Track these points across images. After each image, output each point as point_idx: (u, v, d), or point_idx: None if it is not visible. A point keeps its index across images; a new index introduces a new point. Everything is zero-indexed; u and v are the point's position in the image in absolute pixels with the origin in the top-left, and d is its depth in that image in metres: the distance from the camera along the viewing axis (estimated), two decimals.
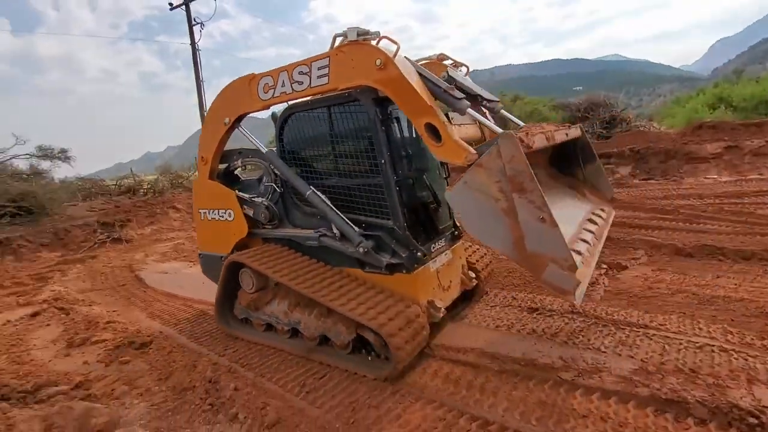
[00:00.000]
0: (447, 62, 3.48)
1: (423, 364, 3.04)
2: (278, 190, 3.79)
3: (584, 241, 2.51)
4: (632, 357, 2.82)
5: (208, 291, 5.38)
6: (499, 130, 2.52)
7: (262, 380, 3.07)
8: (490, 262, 4.22)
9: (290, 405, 2.70)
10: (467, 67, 3.57)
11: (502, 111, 3.45)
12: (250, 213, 3.90)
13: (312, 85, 3.06)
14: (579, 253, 2.28)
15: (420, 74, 2.77)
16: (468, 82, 3.23)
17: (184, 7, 17.71)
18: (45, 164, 13.80)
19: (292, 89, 3.19)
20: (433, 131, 2.62)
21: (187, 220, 12.15)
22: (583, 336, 3.16)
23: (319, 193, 3.34)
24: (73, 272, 7.43)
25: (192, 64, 17.72)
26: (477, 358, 3.03)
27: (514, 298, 4.01)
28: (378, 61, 2.70)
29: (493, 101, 3.23)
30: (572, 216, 2.85)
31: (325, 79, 2.98)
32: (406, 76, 2.65)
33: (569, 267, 1.90)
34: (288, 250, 3.68)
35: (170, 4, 17.68)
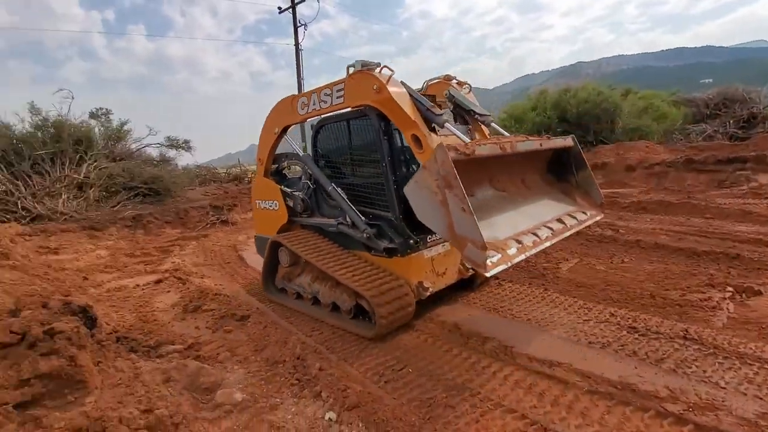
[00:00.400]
0: (454, 81, 4.21)
1: (504, 371, 2.93)
2: (311, 186, 4.51)
3: (535, 234, 2.99)
4: (761, 398, 2.40)
5: None
6: (467, 140, 3.06)
7: (344, 364, 3.22)
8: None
9: (369, 391, 2.79)
10: (469, 85, 4.29)
11: (493, 124, 4.07)
12: (290, 204, 4.72)
13: (333, 104, 3.87)
14: (520, 242, 2.83)
15: (410, 95, 3.41)
16: (465, 100, 3.95)
17: (291, 10, 19.05)
18: (171, 153, 16.00)
19: (320, 106, 4.01)
20: (417, 141, 3.24)
21: None
22: (696, 366, 2.76)
23: (338, 188, 4.06)
24: (189, 248, 8.51)
25: (295, 64, 19.01)
26: (565, 373, 2.82)
27: (613, 315, 3.65)
28: (375, 86, 3.38)
29: (484, 115, 3.91)
30: (540, 214, 3.33)
31: (341, 99, 3.77)
32: (396, 97, 3.29)
33: (480, 246, 2.44)
34: (315, 235, 4.45)
35: (279, 8, 19.16)
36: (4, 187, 11.59)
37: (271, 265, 4.76)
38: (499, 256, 2.58)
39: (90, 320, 2.71)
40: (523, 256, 2.74)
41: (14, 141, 12.05)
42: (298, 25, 19.06)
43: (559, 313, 3.81)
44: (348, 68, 3.61)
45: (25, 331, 2.27)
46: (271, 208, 4.99)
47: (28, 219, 10.64)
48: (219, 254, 7.74)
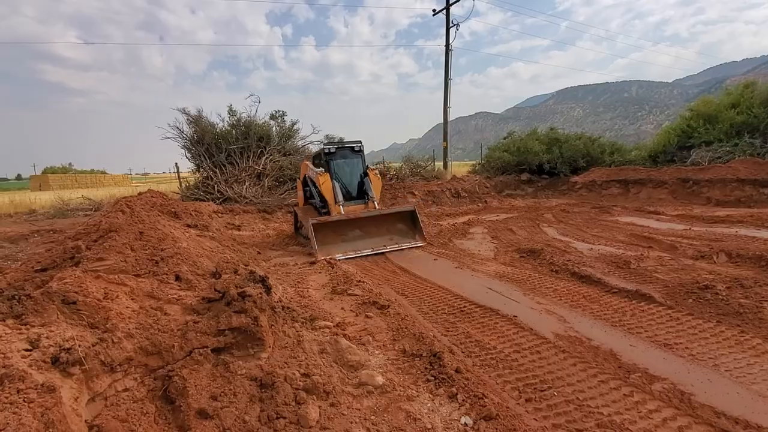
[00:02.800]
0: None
1: (680, 421, 2.44)
2: (312, 189, 9.24)
3: (359, 250, 7.28)
4: None
5: (433, 270, 5.86)
6: (342, 211, 8.16)
7: (481, 371, 3.12)
8: None
9: (507, 406, 2.64)
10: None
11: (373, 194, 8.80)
12: (306, 194, 9.83)
13: (306, 173, 9.52)
14: (347, 253, 7.16)
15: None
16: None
17: (444, 11, 19.30)
18: None
19: (310, 167, 9.02)
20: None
21: (419, 205, 13.49)
22: None
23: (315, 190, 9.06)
24: None
25: (440, 64, 19.21)
26: None
27: None
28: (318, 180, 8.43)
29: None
30: (377, 243, 7.57)
31: (307, 171, 9.44)
32: (309, 173, 9.21)
33: (316, 253, 6.96)
34: (311, 208, 9.18)
35: (433, 10, 19.61)
36: (206, 173, 14.61)
37: (296, 221, 9.80)
38: (330, 256, 6.83)
39: (267, 289, 3.20)
40: (343, 257, 6.98)
41: (215, 137, 15.05)
42: (450, 25, 19.20)
43: (763, 364, 3.00)
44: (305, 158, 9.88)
45: (225, 290, 2.82)
46: (301, 196, 10.20)
47: (221, 200, 13.22)
48: None
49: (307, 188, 9.85)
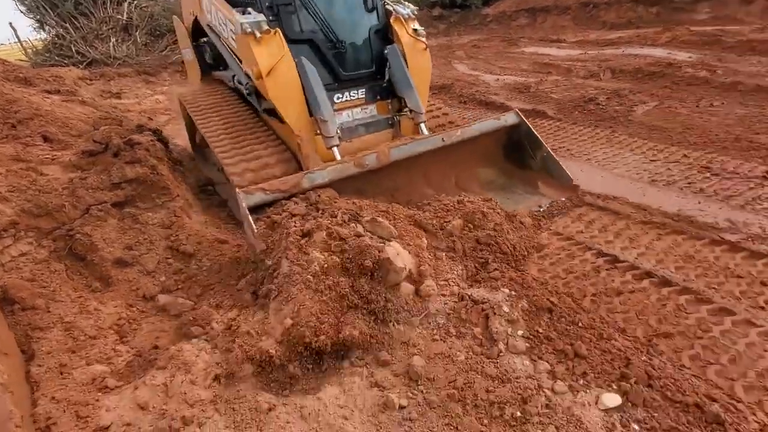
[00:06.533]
0: None
1: (572, 212, 2.91)
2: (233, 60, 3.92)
3: None
4: None
5: None
6: None
7: None
8: None
9: None
10: None
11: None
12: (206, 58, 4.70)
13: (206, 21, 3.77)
14: None
15: None
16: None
17: None
18: None
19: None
20: None
21: None
22: None
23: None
24: None
25: None
26: (620, 206, 2.79)
27: (686, 156, 3.40)
28: None
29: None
30: None
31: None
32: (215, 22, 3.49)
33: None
34: (224, 91, 4.14)
35: None
36: (54, 30, 11.65)
37: (190, 130, 4.83)
38: None
39: (163, 142, 2.91)
40: None
41: None
42: None
43: (624, 153, 3.59)
44: None
45: (107, 141, 2.50)
46: (193, 63, 5.19)
47: (84, 64, 10.91)
48: None
49: (207, 44, 4.43)
